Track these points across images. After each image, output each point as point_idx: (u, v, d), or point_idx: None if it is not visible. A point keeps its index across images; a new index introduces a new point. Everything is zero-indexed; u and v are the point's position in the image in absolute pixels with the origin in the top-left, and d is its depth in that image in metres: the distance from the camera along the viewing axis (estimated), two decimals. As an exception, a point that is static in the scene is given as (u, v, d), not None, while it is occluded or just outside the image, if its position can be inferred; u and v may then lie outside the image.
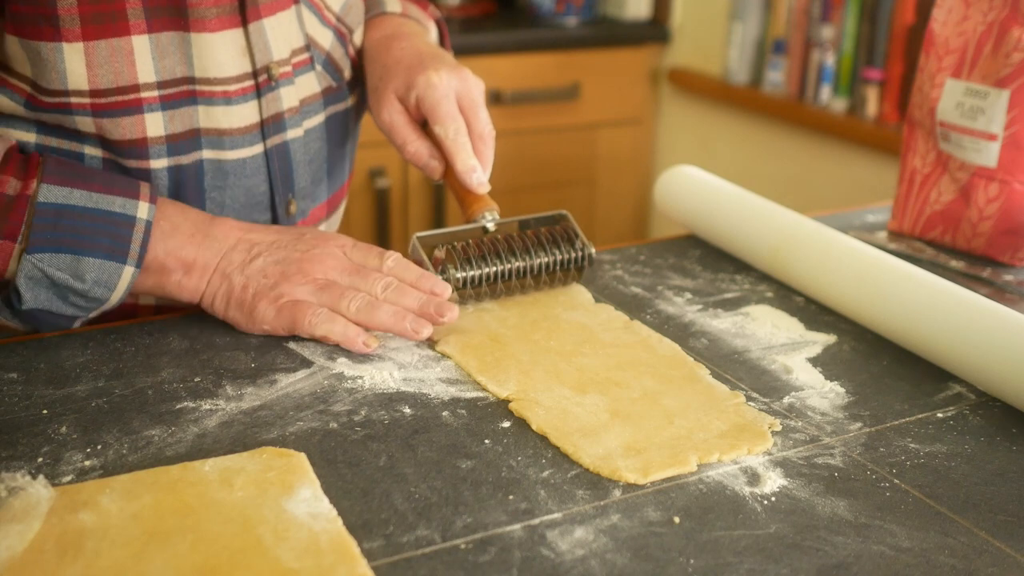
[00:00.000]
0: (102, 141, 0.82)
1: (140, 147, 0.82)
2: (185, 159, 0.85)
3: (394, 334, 0.80)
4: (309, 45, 0.93)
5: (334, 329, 0.78)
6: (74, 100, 0.80)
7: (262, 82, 0.87)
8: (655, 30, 2.46)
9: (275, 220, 0.92)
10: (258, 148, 0.88)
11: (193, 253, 0.81)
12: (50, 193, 0.77)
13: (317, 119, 0.94)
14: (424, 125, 0.93)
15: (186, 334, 0.81)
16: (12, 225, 0.76)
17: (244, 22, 0.85)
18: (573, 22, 2.40)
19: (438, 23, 1.10)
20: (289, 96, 0.90)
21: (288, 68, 0.90)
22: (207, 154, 0.86)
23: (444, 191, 2.27)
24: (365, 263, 0.83)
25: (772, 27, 2.22)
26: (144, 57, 0.81)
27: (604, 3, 2.50)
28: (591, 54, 2.39)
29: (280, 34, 0.89)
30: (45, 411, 0.70)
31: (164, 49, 0.82)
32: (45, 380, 0.74)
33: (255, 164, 0.88)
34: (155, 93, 0.82)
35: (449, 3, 2.40)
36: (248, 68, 0.86)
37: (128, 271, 0.78)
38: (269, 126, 0.89)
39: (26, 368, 0.75)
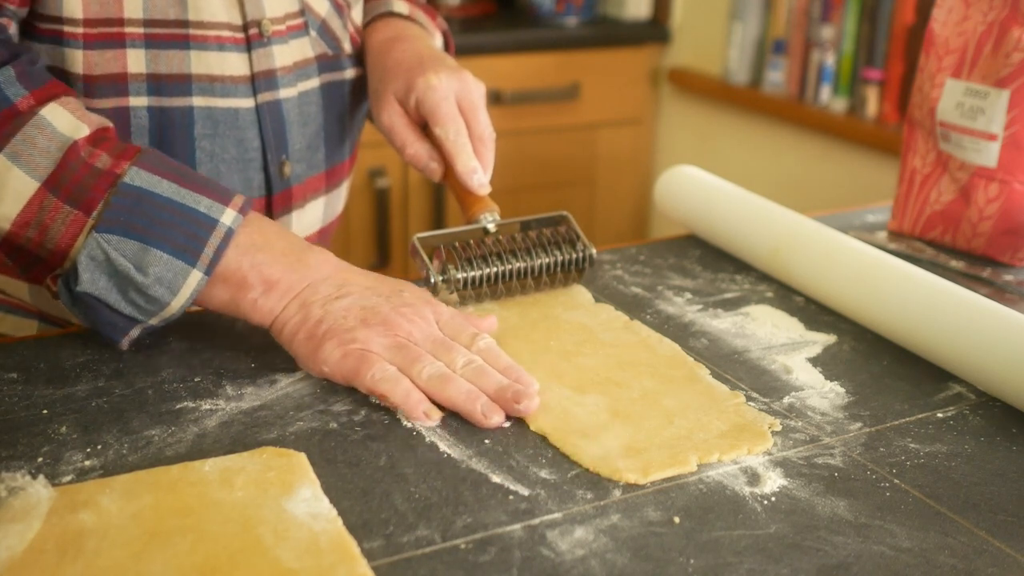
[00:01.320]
0: (86, 83, 0.82)
1: (120, 83, 0.83)
2: (171, 102, 0.85)
3: (461, 414, 0.70)
4: (304, 10, 0.93)
5: (396, 390, 0.70)
6: (67, 28, 0.80)
7: (252, 35, 0.88)
8: (655, 30, 2.46)
9: (268, 180, 0.92)
10: (250, 102, 0.89)
11: (279, 273, 0.75)
12: (138, 177, 0.74)
13: (311, 83, 0.95)
14: (424, 127, 0.93)
15: (186, 334, 0.81)
16: (91, 199, 0.73)
17: None
18: (573, 22, 2.40)
19: (444, 35, 1.10)
20: (282, 55, 0.91)
21: (282, 27, 0.90)
22: (198, 101, 0.86)
23: (444, 191, 2.27)
24: (456, 337, 0.75)
25: (772, 27, 2.22)
26: None
27: (604, 3, 2.50)
28: (591, 54, 2.39)
29: None
30: (45, 411, 0.70)
31: None
32: (45, 380, 0.74)
33: (247, 117, 0.89)
34: (140, 30, 0.82)
35: (449, 3, 2.40)
36: (238, 20, 0.87)
37: (195, 276, 0.73)
38: (260, 81, 0.89)
39: (26, 368, 0.75)
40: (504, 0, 2.55)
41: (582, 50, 2.38)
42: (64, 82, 0.81)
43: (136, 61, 0.83)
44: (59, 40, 0.81)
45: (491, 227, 0.88)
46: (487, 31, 2.31)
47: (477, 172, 0.89)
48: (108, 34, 0.82)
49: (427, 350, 0.73)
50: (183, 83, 0.85)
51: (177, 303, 0.74)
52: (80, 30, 0.81)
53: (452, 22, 2.30)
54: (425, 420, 0.69)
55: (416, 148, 0.92)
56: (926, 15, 1.83)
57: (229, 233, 0.75)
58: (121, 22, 0.82)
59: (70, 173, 0.73)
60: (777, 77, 2.20)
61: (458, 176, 0.89)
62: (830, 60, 2.10)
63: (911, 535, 0.60)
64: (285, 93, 0.91)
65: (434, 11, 1.10)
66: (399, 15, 1.03)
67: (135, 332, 0.76)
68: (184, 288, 0.74)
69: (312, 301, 0.75)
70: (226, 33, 0.86)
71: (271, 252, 0.76)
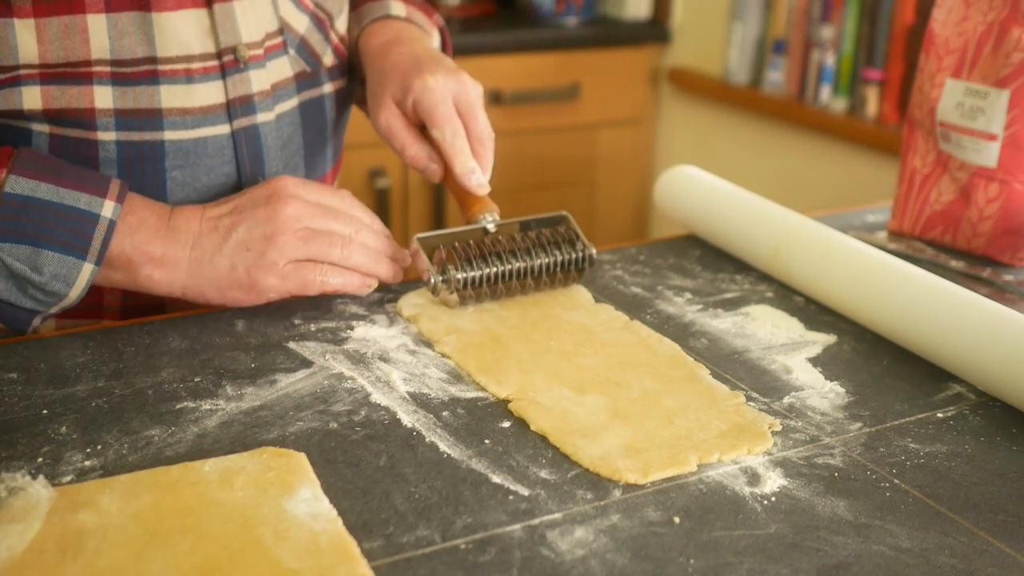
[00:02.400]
0: (48, 116, 0.82)
1: (87, 117, 0.83)
2: (141, 136, 0.85)
3: (374, 276, 0.85)
4: (283, 29, 0.93)
5: (345, 281, 0.83)
6: (23, 72, 0.81)
7: (227, 63, 0.88)
8: (655, 30, 2.46)
9: None
10: (223, 129, 0.88)
11: (161, 248, 0.81)
12: (17, 185, 0.78)
13: (290, 103, 0.94)
14: (423, 129, 0.93)
15: (186, 334, 0.81)
16: None
17: (209, 2, 0.86)
18: (573, 22, 2.40)
19: (441, 31, 1.10)
20: (259, 79, 0.90)
21: (259, 51, 0.90)
22: (169, 135, 0.86)
23: (444, 191, 2.27)
24: (322, 201, 0.85)
25: (772, 27, 2.22)
26: (100, 35, 0.82)
27: (604, 3, 2.50)
28: (591, 54, 2.39)
29: (252, 17, 0.89)
30: (45, 411, 0.70)
31: (123, 28, 0.83)
32: (45, 380, 0.74)
33: (217, 144, 0.88)
34: (107, 69, 0.83)
35: (449, 3, 2.40)
36: (212, 48, 0.87)
37: (88, 268, 0.79)
38: (236, 107, 0.89)
39: (26, 368, 0.75)
40: (504, 0, 2.55)
41: (582, 50, 2.38)
42: (23, 119, 0.82)
43: (103, 97, 0.83)
44: (17, 83, 0.81)
45: (491, 227, 0.88)
46: (487, 31, 2.31)
47: (475, 173, 0.89)
48: (71, 73, 0.82)
49: (321, 227, 0.83)
50: (153, 117, 0.85)
51: (75, 293, 0.80)
52: (36, 71, 0.81)
53: (452, 22, 2.30)
54: (367, 290, 0.85)
55: (415, 150, 0.92)
56: (926, 15, 1.83)
57: (111, 225, 0.80)
58: (88, 63, 0.82)
59: None
60: (777, 77, 2.20)
61: (456, 177, 0.89)
62: (830, 60, 2.10)
63: (911, 535, 0.60)
64: (263, 117, 0.91)
65: (431, 9, 1.09)
66: (396, 18, 1.03)
67: (37, 321, 0.82)
68: (79, 280, 0.79)
69: (210, 257, 0.82)
70: (196, 65, 0.86)
71: (146, 231, 0.82)
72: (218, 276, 0.82)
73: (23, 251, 0.77)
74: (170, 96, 0.85)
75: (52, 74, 0.81)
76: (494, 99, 2.26)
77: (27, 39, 0.80)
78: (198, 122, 0.87)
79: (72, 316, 0.88)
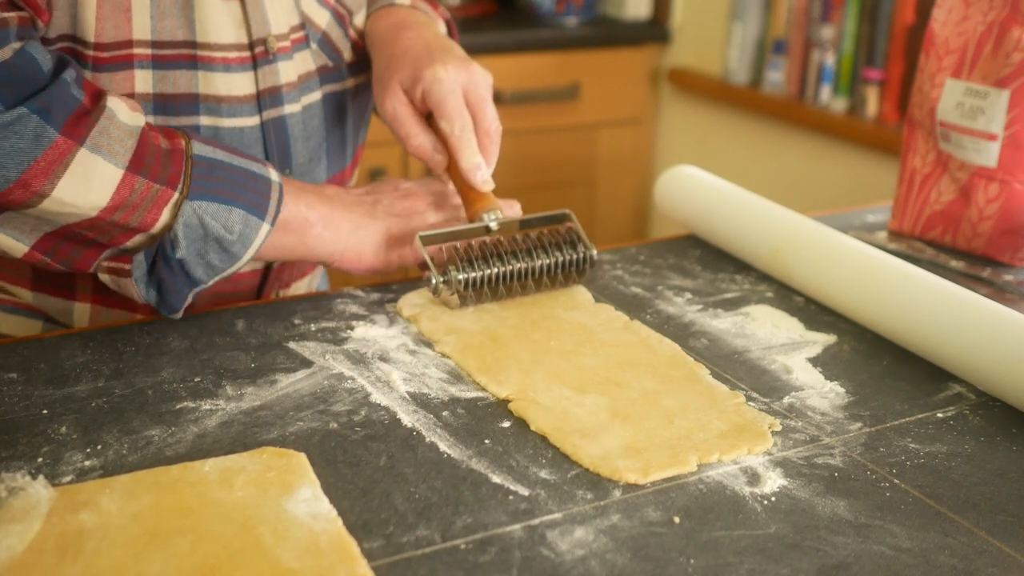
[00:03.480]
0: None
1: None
2: (177, 120, 0.86)
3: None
4: (304, 23, 0.94)
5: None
6: (79, 49, 0.82)
7: (258, 54, 0.89)
8: (655, 30, 2.46)
9: None
10: (255, 119, 0.89)
11: (328, 210, 0.86)
12: (199, 148, 0.80)
13: (314, 96, 0.95)
14: (428, 117, 0.92)
15: (186, 334, 0.81)
16: (173, 173, 0.78)
17: None
18: (573, 22, 2.40)
19: (448, 23, 1.09)
20: (287, 71, 0.91)
21: (287, 43, 0.91)
22: (204, 120, 0.87)
23: (444, 191, 2.27)
24: (417, 188, 0.94)
25: (772, 27, 2.22)
26: (142, 14, 0.83)
27: (604, 3, 2.50)
28: (591, 54, 2.39)
29: (280, 8, 0.90)
30: (45, 411, 0.70)
31: (165, 10, 0.84)
32: (45, 380, 0.74)
33: (252, 135, 0.89)
34: (148, 51, 0.83)
35: (449, 3, 2.40)
36: (244, 39, 0.88)
37: (264, 229, 0.81)
38: (266, 98, 0.90)
39: (26, 368, 0.75)
40: (504, 0, 2.55)
41: (582, 50, 2.38)
42: None
43: (143, 82, 0.84)
44: (80, 64, 0.82)
45: (493, 225, 0.88)
46: (487, 31, 2.31)
47: (481, 169, 0.89)
48: (118, 57, 0.82)
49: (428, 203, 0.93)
50: (190, 103, 0.86)
51: (246, 257, 0.81)
52: (91, 53, 0.81)
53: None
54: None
55: (420, 140, 0.91)
56: (926, 15, 1.83)
57: (281, 188, 0.83)
58: (130, 44, 0.83)
59: (149, 154, 0.77)
60: (777, 77, 2.20)
61: (462, 172, 0.89)
62: (830, 60, 2.10)
63: (911, 535, 0.60)
64: (290, 109, 0.92)
65: (435, 1, 1.09)
66: (401, 5, 1.02)
67: (190, 298, 0.82)
68: (256, 241, 0.81)
69: (368, 221, 0.88)
70: (232, 54, 0.87)
71: (310, 194, 0.86)
72: (375, 239, 0.87)
73: (218, 210, 0.79)
74: (207, 83, 0.86)
75: (101, 59, 0.82)
76: (494, 99, 2.26)
77: (89, 15, 0.80)
78: (232, 111, 0.88)
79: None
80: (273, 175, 0.83)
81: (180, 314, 0.82)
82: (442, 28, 1.07)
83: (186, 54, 0.85)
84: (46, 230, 0.77)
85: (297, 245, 0.85)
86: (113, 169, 0.75)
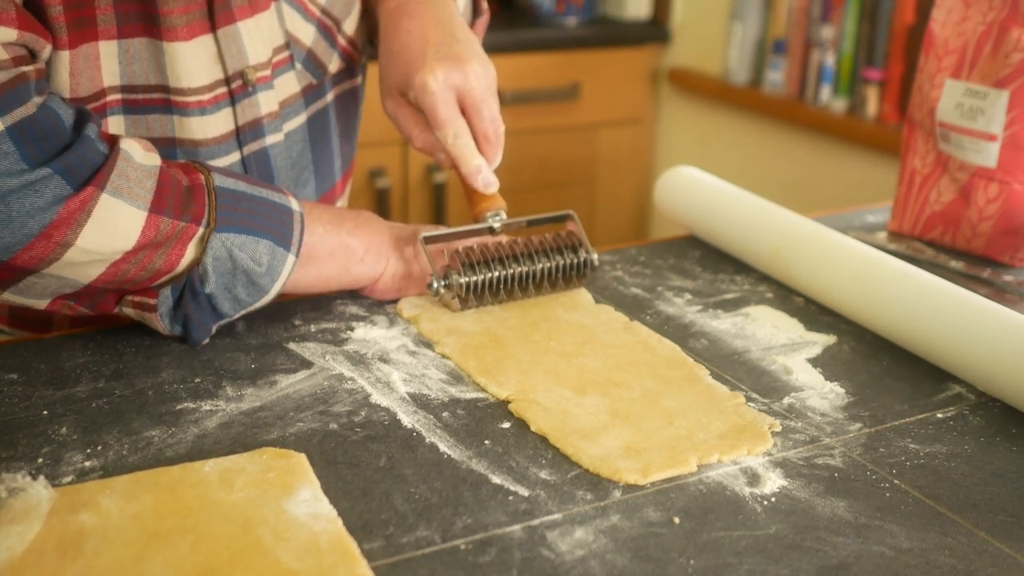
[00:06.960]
0: None
1: None
2: None
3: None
4: (289, 43, 0.91)
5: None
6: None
7: (236, 88, 0.86)
8: (655, 30, 2.46)
9: None
10: (235, 156, 0.88)
11: (367, 237, 0.85)
12: (220, 180, 0.78)
13: (298, 120, 0.93)
14: None
15: (186, 335, 0.81)
16: (196, 209, 0.76)
17: (213, 27, 0.84)
18: (573, 22, 2.40)
19: None
20: (268, 100, 0.89)
21: (267, 72, 0.88)
22: None
23: (444, 191, 2.27)
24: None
25: (772, 27, 2.22)
26: (111, 62, 0.80)
27: (604, 3, 2.50)
28: (591, 54, 2.39)
29: (258, 36, 0.87)
30: (45, 412, 0.70)
31: (135, 55, 0.81)
32: (45, 381, 0.74)
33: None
34: (119, 96, 0.81)
35: (449, 3, 2.40)
36: (220, 75, 0.85)
37: (290, 260, 0.80)
38: (246, 133, 0.88)
39: (26, 368, 0.75)
40: (504, 0, 2.55)
41: (582, 50, 2.38)
42: None
43: (115, 127, 0.82)
44: None
45: (496, 226, 0.88)
46: (487, 31, 2.31)
47: (481, 172, 0.87)
48: (95, 108, 0.80)
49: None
50: (167, 147, 0.84)
51: (274, 290, 0.80)
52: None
53: (452, 22, 2.29)
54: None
55: (423, 140, 0.90)
56: (926, 15, 1.83)
57: (302, 217, 0.81)
58: (103, 92, 0.80)
59: (170, 193, 0.75)
60: (777, 77, 2.20)
61: (463, 178, 0.88)
62: (830, 60, 2.10)
63: (911, 535, 0.60)
64: (272, 139, 0.90)
65: None
66: None
67: (214, 330, 0.80)
68: (282, 274, 0.80)
69: (398, 251, 0.87)
70: (207, 96, 0.84)
71: (346, 221, 0.85)
72: (396, 271, 0.86)
73: (246, 241, 0.77)
74: (182, 128, 0.84)
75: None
76: (494, 99, 2.26)
77: (63, 72, 0.78)
78: (210, 153, 0.86)
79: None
80: (293, 204, 0.82)
81: (203, 342, 0.80)
82: (461, 2, 1.01)
83: (159, 99, 0.83)
84: (66, 292, 0.76)
85: (340, 272, 0.84)
86: (136, 212, 0.73)
